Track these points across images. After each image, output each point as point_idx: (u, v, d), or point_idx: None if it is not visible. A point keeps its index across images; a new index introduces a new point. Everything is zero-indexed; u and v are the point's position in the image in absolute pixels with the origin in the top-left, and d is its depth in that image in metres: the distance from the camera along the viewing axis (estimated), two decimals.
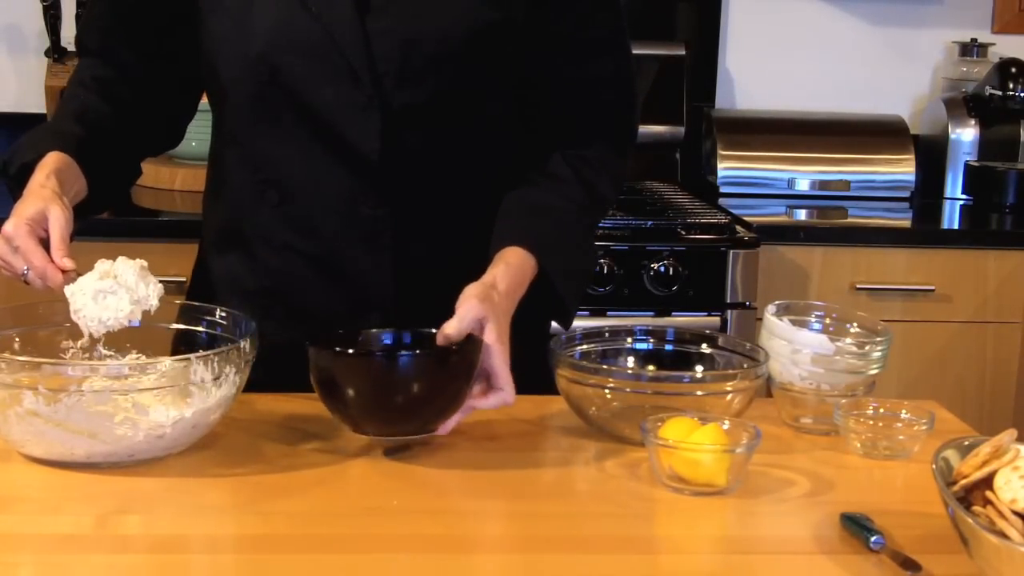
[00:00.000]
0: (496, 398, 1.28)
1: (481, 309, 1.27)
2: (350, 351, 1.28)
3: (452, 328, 1.26)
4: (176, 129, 1.56)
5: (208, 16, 1.40)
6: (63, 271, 1.25)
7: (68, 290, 1.24)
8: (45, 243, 1.26)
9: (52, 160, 1.34)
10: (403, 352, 1.30)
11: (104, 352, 1.33)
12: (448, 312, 1.29)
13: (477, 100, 1.42)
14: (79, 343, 1.32)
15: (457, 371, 1.25)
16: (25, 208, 1.27)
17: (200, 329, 1.34)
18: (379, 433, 1.27)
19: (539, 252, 1.38)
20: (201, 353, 1.22)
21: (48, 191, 1.29)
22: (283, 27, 1.36)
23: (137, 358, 1.31)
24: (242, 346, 1.24)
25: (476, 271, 1.36)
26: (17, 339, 1.31)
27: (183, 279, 1.65)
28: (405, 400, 1.23)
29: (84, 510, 1.12)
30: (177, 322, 1.35)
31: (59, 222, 1.26)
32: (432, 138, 1.41)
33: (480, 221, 1.43)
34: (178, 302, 1.38)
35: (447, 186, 1.44)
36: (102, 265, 1.26)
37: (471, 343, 1.26)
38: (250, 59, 1.37)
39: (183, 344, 1.35)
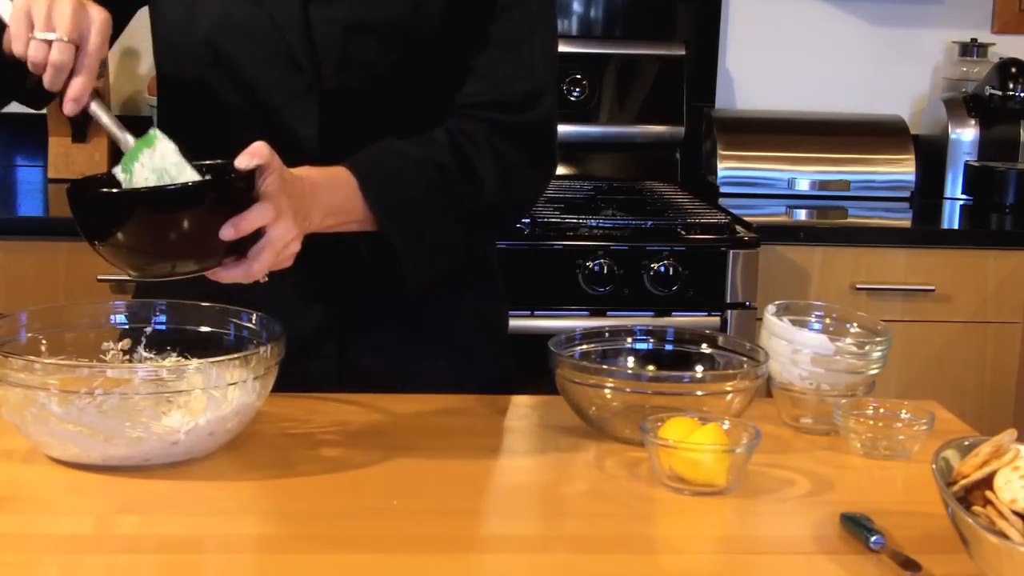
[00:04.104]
0: (240, 269, 1.18)
1: (269, 153, 1.19)
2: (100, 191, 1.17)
3: (244, 159, 1.18)
4: None
5: (161, 1, 1.42)
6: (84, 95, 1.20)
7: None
8: None
9: None
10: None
11: (145, 355, 1.32)
12: (387, 299, 1.25)
13: (415, 89, 1.42)
14: (119, 344, 1.32)
15: (221, 204, 1.15)
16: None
17: (227, 332, 1.31)
18: (134, 271, 1.19)
19: (357, 171, 1.32)
20: (214, 359, 1.19)
21: None
22: (228, 10, 1.38)
23: (177, 360, 1.30)
24: (261, 352, 1.21)
25: None
26: (44, 341, 1.29)
27: None
28: (161, 235, 1.14)
29: (98, 510, 1.12)
30: (206, 324, 1.33)
31: (105, 26, 1.19)
32: (370, 126, 1.40)
33: None
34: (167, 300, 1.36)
35: None
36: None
37: (247, 174, 1.17)
38: (195, 42, 1.38)
39: (219, 349, 1.31)
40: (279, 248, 1.19)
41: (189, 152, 1.21)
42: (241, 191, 1.17)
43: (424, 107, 1.44)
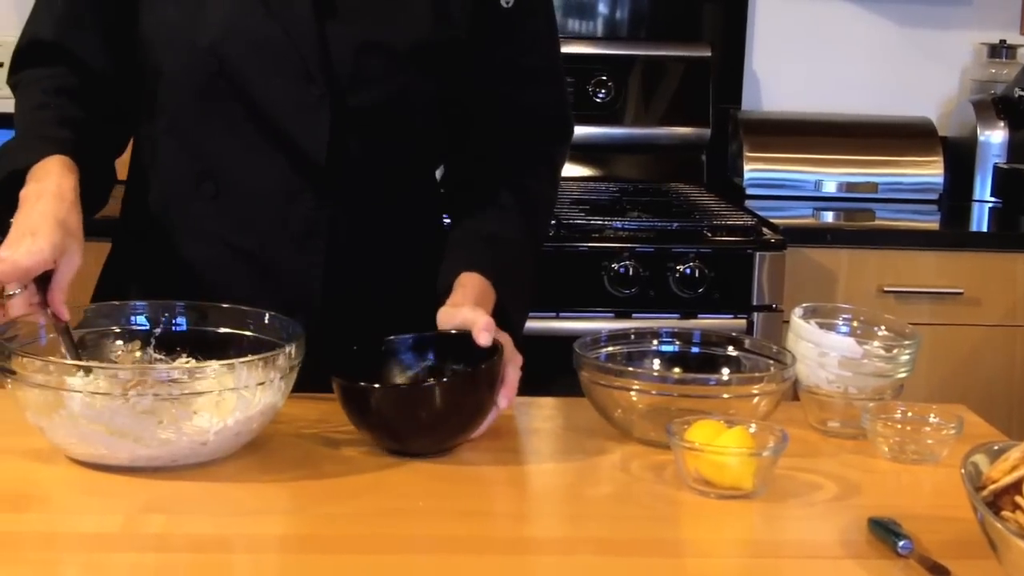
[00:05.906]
0: (493, 416, 1.29)
1: (491, 319, 1.30)
2: (377, 384, 1.29)
3: (485, 338, 1.28)
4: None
5: (152, 1, 1.39)
6: (56, 318, 1.24)
7: None
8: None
9: (59, 164, 1.29)
10: (431, 381, 1.30)
11: (155, 356, 1.32)
12: (373, 316, 1.33)
13: (425, 112, 1.44)
14: (130, 346, 1.32)
15: (490, 383, 1.27)
16: (50, 232, 1.23)
17: (246, 332, 1.32)
18: (417, 451, 1.27)
19: (496, 280, 1.40)
20: (246, 358, 1.20)
21: (75, 220, 1.26)
22: (237, 20, 1.36)
23: (187, 362, 1.30)
24: (287, 351, 1.22)
25: (405, 281, 1.38)
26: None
27: None
28: (447, 420, 1.25)
29: (125, 509, 1.13)
30: (224, 326, 1.33)
31: (72, 270, 1.25)
32: (378, 145, 1.41)
33: (414, 232, 1.46)
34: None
35: (387, 194, 1.45)
36: None
37: (498, 353, 1.27)
38: (199, 49, 1.36)
39: (232, 349, 1.31)
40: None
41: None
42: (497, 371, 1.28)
43: (434, 132, 1.46)
